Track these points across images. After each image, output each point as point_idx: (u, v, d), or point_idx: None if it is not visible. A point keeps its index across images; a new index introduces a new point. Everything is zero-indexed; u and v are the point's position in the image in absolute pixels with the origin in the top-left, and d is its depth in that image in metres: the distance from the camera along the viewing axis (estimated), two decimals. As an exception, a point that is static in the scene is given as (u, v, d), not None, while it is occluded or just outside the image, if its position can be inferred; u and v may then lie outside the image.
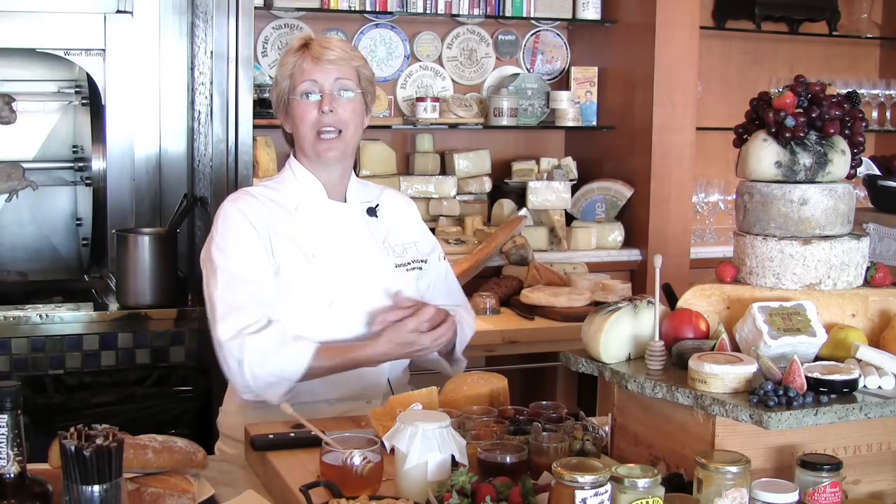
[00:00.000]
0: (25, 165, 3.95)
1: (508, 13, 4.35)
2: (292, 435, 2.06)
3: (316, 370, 2.28)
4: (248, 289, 2.30)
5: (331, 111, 2.37)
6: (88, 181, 4.04)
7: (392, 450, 1.81)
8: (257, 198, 2.41)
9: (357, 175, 2.57)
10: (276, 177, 2.53)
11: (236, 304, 2.28)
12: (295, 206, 2.43)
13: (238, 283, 2.30)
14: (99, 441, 1.50)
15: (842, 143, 2.07)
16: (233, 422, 2.43)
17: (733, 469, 1.60)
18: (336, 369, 2.31)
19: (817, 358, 1.90)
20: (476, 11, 4.28)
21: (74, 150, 4.10)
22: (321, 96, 2.38)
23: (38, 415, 2.96)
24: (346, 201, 2.48)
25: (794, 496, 1.63)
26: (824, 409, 1.73)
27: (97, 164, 3.86)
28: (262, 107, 3.64)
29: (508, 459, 1.80)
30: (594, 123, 4.52)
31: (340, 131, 2.39)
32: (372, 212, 2.50)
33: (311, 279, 2.36)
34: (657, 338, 1.93)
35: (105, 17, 3.57)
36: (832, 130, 2.04)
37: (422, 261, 2.53)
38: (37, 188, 3.46)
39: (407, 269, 2.49)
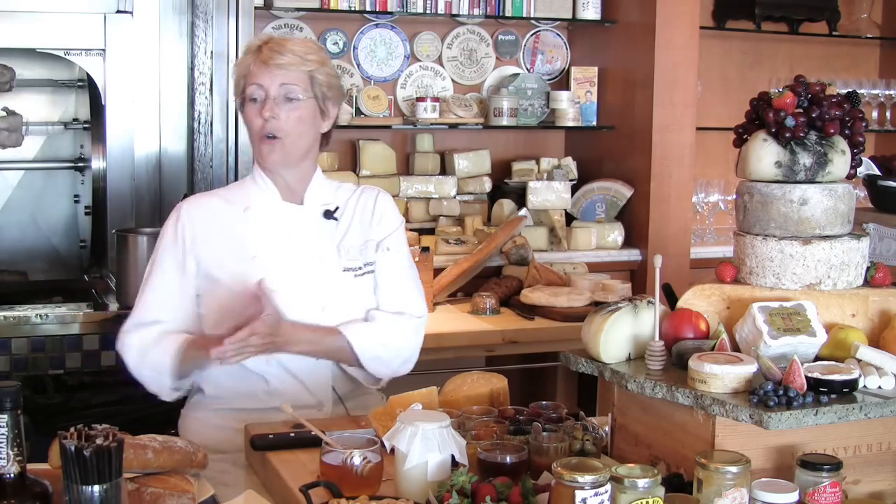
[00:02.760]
0: (25, 165, 3.95)
1: (508, 13, 4.34)
2: (292, 435, 2.06)
3: (186, 362, 2.28)
4: (152, 297, 2.36)
5: (272, 117, 2.31)
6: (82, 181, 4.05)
7: (392, 450, 1.81)
8: (208, 200, 2.45)
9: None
10: (241, 180, 2.53)
11: (140, 309, 2.36)
12: (244, 208, 2.42)
13: (149, 291, 2.36)
14: (99, 441, 1.50)
15: (842, 143, 2.07)
16: (190, 426, 2.44)
17: (733, 469, 1.61)
18: (201, 358, 2.26)
19: (817, 358, 1.90)
20: (476, 11, 4.28)
21: (74, 149, 4.10)
22: (265, 101, 2.32)
23: (38, 415, 2.96)
24: (303, 203, 2.43)
25: (794, 496, 1.63)
26: (824, 409, 1.73)
27: (97, 164, 3.85)
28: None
29: (508, 459, 1.80)
30: (594, 123, 4.52)
31: (279, 137, 2.33)
32: (329, 214, 2.43)
33: (243, 280, 2.30)
34: (657, 338, 1.93)
35: (105, 17, 3.56)
36: (832, 130, 2.04)
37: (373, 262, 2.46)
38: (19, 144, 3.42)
39: (356, 275, 2.41)
